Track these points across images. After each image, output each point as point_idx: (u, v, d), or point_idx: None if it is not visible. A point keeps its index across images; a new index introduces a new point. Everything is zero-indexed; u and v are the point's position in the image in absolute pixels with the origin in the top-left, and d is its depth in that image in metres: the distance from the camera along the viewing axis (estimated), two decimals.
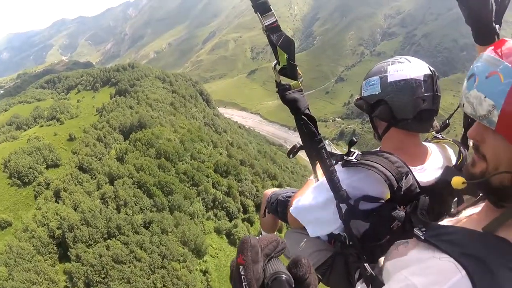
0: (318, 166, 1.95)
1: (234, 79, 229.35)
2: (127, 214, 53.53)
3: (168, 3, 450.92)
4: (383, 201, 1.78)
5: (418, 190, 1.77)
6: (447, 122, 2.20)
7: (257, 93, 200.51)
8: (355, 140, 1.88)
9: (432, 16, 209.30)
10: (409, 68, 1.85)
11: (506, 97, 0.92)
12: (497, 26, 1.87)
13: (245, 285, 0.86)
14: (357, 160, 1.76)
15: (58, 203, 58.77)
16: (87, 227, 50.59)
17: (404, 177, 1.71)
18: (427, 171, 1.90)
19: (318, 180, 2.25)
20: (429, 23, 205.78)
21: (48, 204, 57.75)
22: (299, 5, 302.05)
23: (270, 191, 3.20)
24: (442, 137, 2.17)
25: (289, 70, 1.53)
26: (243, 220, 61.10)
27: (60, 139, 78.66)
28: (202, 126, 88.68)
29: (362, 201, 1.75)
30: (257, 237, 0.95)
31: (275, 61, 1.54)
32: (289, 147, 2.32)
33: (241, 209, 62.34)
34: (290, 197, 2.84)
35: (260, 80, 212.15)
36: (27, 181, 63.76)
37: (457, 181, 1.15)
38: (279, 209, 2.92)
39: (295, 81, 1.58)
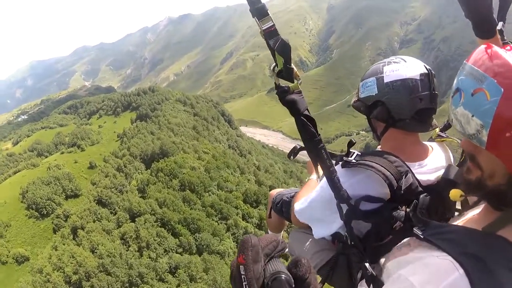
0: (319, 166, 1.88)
1: (254, 97, 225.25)
2: (150, 257, 46.89)
3: (185, 27, 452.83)
4: (383, 202, 1.76)
5: (419, 189, 1.75)
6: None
7: (278, 110, 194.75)
8: (354, 141, 1.89)
9: (449, 19, 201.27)
10: (405, 67, 1.83)
11: (494, 116, 0.88)
12: (501, 23, 1.87)
13: (245, 284, 0.86)
14: (356, 160, 1.75)
15: (76, 240, 53.27)
16: (106, 275, 43.71)
17: (403, 176, 1.69)
18: (428, 170, 1.87)
19: (319, 180, 2.19)
20: (446, 26, 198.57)
21: (64, 246, 52.60)
22: (313, 19, 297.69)
23: (275, 192, 3.11)
24: (446, 135, 2.09)
25: (285, 73, 1.51)
26: None
27: (81, 167, 75.58)
28: (226, 150, 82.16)
29: (363, 202, 1.73)
30: (257, 237, 0.94)
31: (274, 64, 1.54)
32: None
33: None
34: (294, 197, 2.60)
35: None
36: (45, 213, 60.35)
37: (455, 194, 1.16)
38: (283, 209, 2.85)
39: (294, 84, 1.57)
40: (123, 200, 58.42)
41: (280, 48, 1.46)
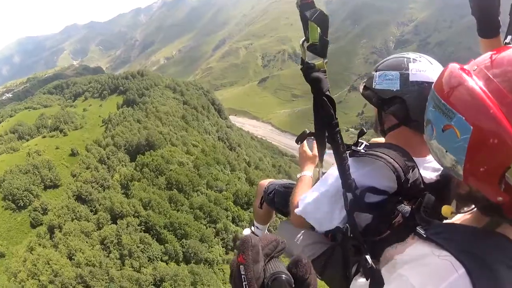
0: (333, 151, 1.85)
1: (245, 87, 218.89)
2: (132, 267, 41.55)
3: (179, 11, 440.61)
4: (388, 195, 1.76)
5: (422, 186, 1.75)
6: None
7: (268, 101, 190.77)
8: (365, 131, 1.92)
9: (445, 23, 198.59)
10: (432, 70, 1.79)
11: (466, 154, 0.89)
12: (509, 37, 1.88)
13: (245, 284, 0.84)
14: (365, 151, 1.74)
15: (52, 240, 48.37)
16: None
17: (411, 170, 1.69)
18: (431, 168, 1.89)
19: (321, 168, 2.25)
20: (443, 30, 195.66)
21: (40, 247, 47.61)
22: None
23: (267, 181, 3.06)
24: None
25: (320, 47, 1.44)
26: None
27: (62, 154, 70.88)
28: (216, 144, 76.83)
29: (367, 193, 1.73)
30: (257, 237, 0.93)
31: (303, 38, 1.47)
32: None
33: None
34: (288, 188, 2.70)
35: (272, 88, 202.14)
36: (22, 204, 55.74)
37: (446, 211, 1.19)
38: (276, 199, 2.82)
39: (320, 62, 1.52)
40: (104, 199, 52.80)
41: (318, 18, 1.40)
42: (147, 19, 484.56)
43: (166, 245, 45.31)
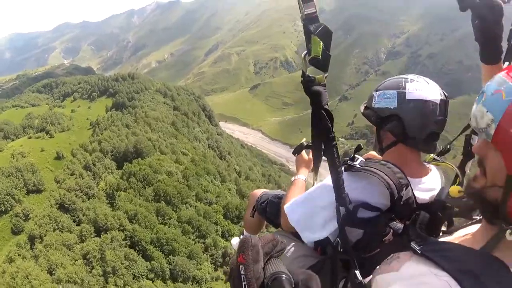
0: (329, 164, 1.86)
1: (236, 93, 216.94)
2: (116, 285, 38.84)
3: (172, 14, 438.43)
4: (380, 211, 1.77)
5: (414, 205, 1.76)
6: (448, 146, 2.18)
7: (259, 108, 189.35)
8: (362, 147, 1.96)
9: (437, 36, 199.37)
10: (428, 89, 1.85)
11: (504, 112, 0.96)
12: (507, 64, 1.90)
13: (244, 284, 0.84)
14: (361, 166, 1.76)
15: (33, 251, 45.52)
16: None
17: (404, 188, 1.71)
18: (425, 189, 1.91)
19: (315, 179, 2.30)
20: (434, 43, 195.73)
21: (20, 258, 44.63)
22: None
23: (260, 191, 3.09)
24: (442, 160, 2.12)
25: (323, 61, 1.48)
26: None
27: (47, 157, 67.82)
28: (207, 152, 74.49)
29: (360, 208, 1.74)
30: (257, 237, 0.94)
31: (305, 51, 1.50)
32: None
33: None
34: (281, 198, 2.68)
35: (263, 95, 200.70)
36: (3, 209, 52.80)
37: (454, 190, 1.21)
38: (268, 209, 2.81)
39: (320, 76, 1.55)
40: (88, 209, 49.92)
41: (322, 33, 1.44)
42: (140, 21, 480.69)
43: (152, 262, 42.68)
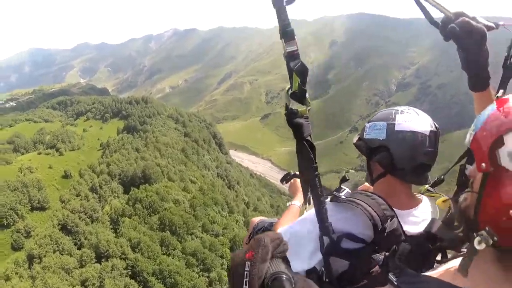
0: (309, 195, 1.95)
1: (247, 121, 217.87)
2: None
3: (189, 42, 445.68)
4: (365, 243, 1.77)
5: (402, 237, 1.76)
6: (442, 177, 2.16)
7: (269, 138, 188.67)
8: (347, 178, 1.99)
9: (446, 67, 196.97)
10: (417, 120, 1.87)
11: (483, 122, 1.02)
12: (501, 91, 1.88)
13: (246, 281, 0.83)
14: (346, 197, 1.79)
15: (30, 271, 44.24)
16: None
17: (389, 220, 1.71)
18: (415, 220, 1.91)
19: (307, 206, 2.28)
20: (443, 74, 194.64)
21: (17, 277, 43.32)
22: (315, 53, 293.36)
23: (257, 219, 3.18)
24: (435, 191, 2.10)
25: (299, 94, 1.56)
26: None
27: (54, 175, 67.64)
28: (215, 182, 72.98)
29: (344, 239, 1.75)
30: (269, 238, 0.94)
31: (289, 86, 1.58)
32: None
33: None
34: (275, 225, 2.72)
35: (273, 125, 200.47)
36: (5, 223, 52.11)
37: (439, 201, 1.23)
38: None
39: (303, 108, 1.61)
40: (90, 233, 48.39)
41: (299, 69, 1.51)
42: (157, 46, 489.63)
43: None
